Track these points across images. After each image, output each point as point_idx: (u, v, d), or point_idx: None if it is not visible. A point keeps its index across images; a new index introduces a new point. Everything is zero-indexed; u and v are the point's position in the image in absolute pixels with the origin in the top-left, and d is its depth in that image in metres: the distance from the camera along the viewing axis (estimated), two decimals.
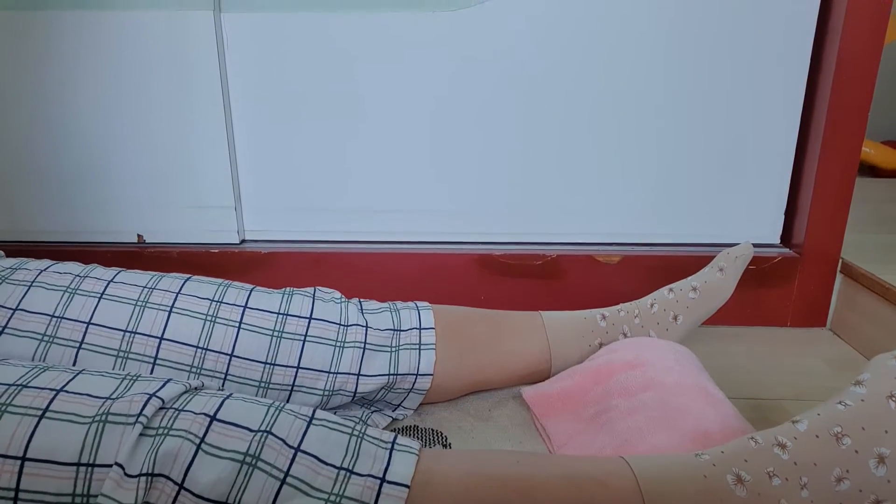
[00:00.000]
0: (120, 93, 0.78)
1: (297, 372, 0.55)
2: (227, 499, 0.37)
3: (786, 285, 0.82)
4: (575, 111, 0.79)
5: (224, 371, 0.54)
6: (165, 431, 0.38)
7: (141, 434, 0.37)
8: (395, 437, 0.43)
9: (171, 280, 0.57)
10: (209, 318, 0.54)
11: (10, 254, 0.62)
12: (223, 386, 0.54)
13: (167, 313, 0.54)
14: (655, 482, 0.42)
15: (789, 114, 0.79)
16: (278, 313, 0.56)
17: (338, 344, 0.57)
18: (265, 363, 0.54)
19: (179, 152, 0.80)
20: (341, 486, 0.39)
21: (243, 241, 0.85)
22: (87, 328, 0.52)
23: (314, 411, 0.43)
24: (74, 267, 0.57)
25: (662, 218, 0.83)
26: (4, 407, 0.38)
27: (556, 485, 0.41)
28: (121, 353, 0.52)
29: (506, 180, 0.82)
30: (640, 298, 0.68)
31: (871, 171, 1.38)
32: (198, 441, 0.38)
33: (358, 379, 0.57)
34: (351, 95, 0.79)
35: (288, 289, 0.60)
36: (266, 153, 0.82)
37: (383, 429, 0.60)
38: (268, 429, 0.40)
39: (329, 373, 0.56)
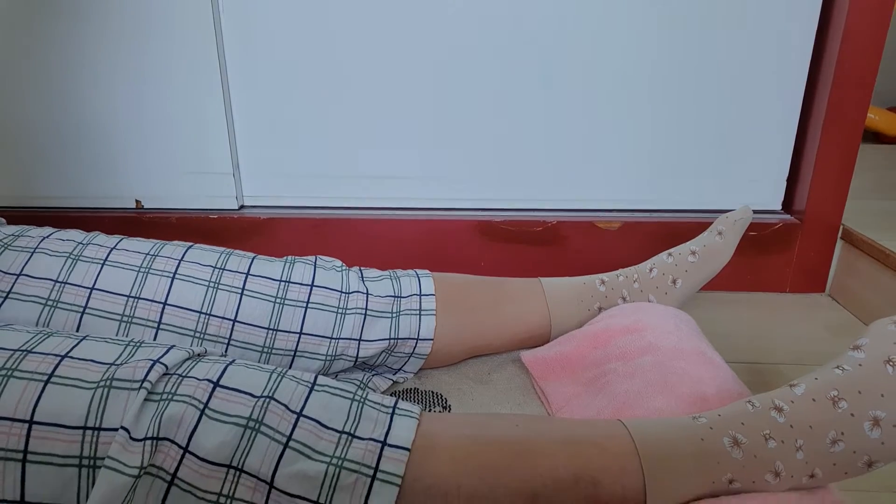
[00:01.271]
0: (117, 58, 0.77)
1: (299, 337, 0.56)
2: (230, 462, 0.38)
3: (786, 251, 0.82)
4: (576, 77, 0.78)
5: (227, 336, 0.54)
6: (169, 397, 0.38)
7: (146, 399, 0.38)
8: (397, 402, 0.44)
9: (174, 247, 0.57)
10: (212, 284, 0.55)
11: (9, 219, 0.62)
12: (226, 351, 0.54)
13: (170, 279, 0.54)
14: (652, 444, 0.42)
15: (794, 79, 0.78)
16: (280, 280, 0.57)
17: (339, 310, 0.57)
18: (268, 328, 0.55)
19: (177, 118, 0.79)
20: (343, 449, 0.39)
21: (242, 207, 0.84)
22: (90, 293, 0.52)
23: (316, 377, 0.43)
24: (77, 234, 0.57)
25: (663, 184, 0.83)
26: (10, 372, 0.38)
27: (554, 448, 0.42)
28: (124, 318, 0.52)
29: (506, 146, 0.81)
30: (640, 264, 0.68)
31: (874, 137, 1.37)
32: (201, 406, 0.38)
33: (359, 344, 0.58)
34: (349, 60, 0.78)
35: (289, 257, 0.60)
36: (264, 119, 0.81)
37: (384, 392, 0.60)
38: (270, 394, 0.40)
39: (331, 338, 0.57)
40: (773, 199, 0.84)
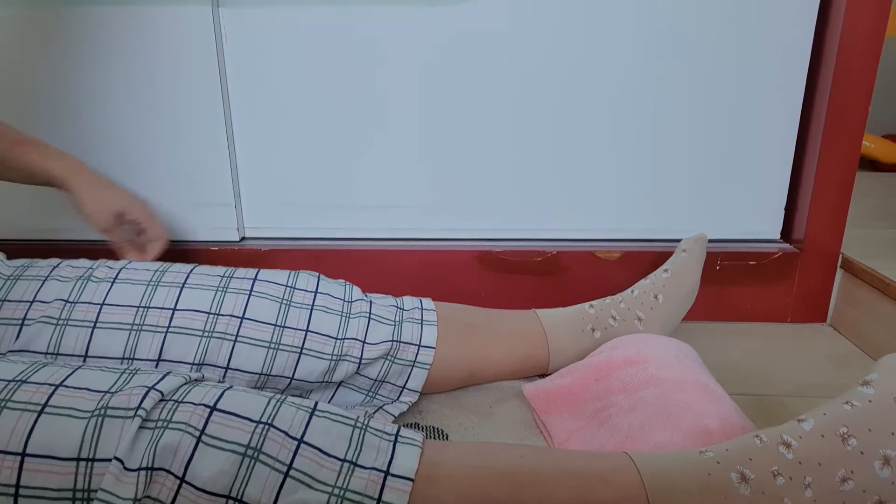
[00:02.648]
0: (118, 88, 0.78)
1: (305, 335, 0.57)
2: (229, 492, 0.37)
3: (786, 281, 0.82)
4: (575, 107, 0.79)
5: (235, 333, 0.55)
6: (165, 424, 0.38)
7: (140, 427, 0.37)
8: (399, 429, 0.43)
9: (180, 266, 0.60)
10: (220, 288, 0.57)
11: (10, 252, 0.62)
12: (233, 349, 0.55)
13: (179, 288, 0.57)
14: (659, 478, 0.42)
15: (789, 108, 0.79)
16: (286, 286, 0.59)
17: (344, 314, 0.59)
18: (275, 325, 0.56)
19: (178, 149, 0.80)
20: (345, 479, 0.38)
21: (243, 239, 0.85)
22: (100, 308, 0.55)
23: (316, 403, 0.43)
24: (85, 261, 0.60)
25: (663, 213, 0.83)
26: (4, 403, 0.37)
27: (560, 480, 0.41)
28: (134, 327, 0.54)
29: (505, 177, 0.82)
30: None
31: (871, 165, 1.38)
32: (198, 433, 0.38)
33: (363, 346, 0.59)
34: (349, 91, 0.79)
35: (293, 271, 0.63)
36: (265, 150, 0.81)
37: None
38: (269, 420, 0.40)
39: (336, 338, 0.58)
40: (771, 228, 0.84)
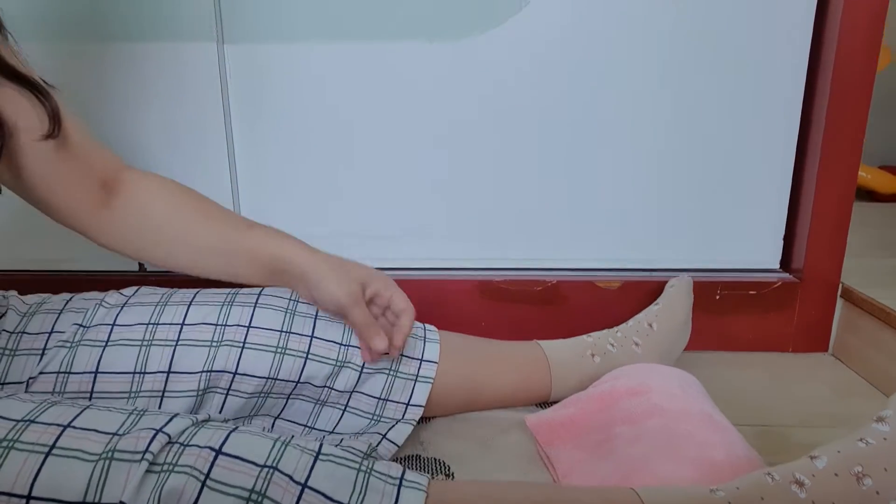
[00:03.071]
0: (123, 122, 0.79)
1: (311, 340, 0.59)
2: None
3: (787, 310, 0.82)
4: (574, 137, 0.80)
5: (242, 340, 0.57)
6: (170, 468, 0.38)
7: (147, 471, 0.37)
8: (404, 473, 0.43)
9: (186, 290, 0.62)
10: (226, 303, 0.59)
11: (10, 283, 0.63)
12: (241, 355, 0.56)
13: (186, 306, 0.59)
14: None
15: (786, 138, 0.80)
16: (290, 299, 0.62)
17: (346, 328, 0.61)
18: (281, 331, 0.58)
19: (183, 179, 0.81)
20: None
21: None
22: (111, 328, 0.57)
23: (321, 446, 0.43)
24: (97, 293, 0.62)
25: (662, 243, 0.83)
26: (11, 444, 0.37)
27: None
28: (144, 342, 0.56)
29: (506, 206, 0.82)
30: None
31: (868, 195, 1.39)
32: (202, 477, 0.38)
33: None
34: (351, 123, 0.80)
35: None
36: (267, 181, 0.82)
37: (389, 458, 0.59)
38: (274, 464, 0.39)
39: (341, 344, 0.59)
40: (771, 257, 0.84)
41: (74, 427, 0.39)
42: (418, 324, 0.66)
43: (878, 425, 0.43)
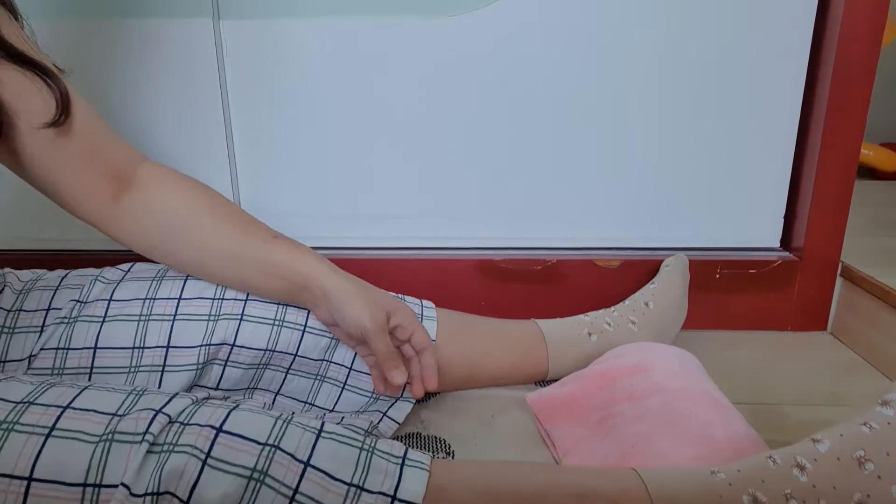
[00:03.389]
0: (118, 99, 0.78)
1: (308, 312, 0.59)
2: None
3: (786, 289, 0.82)
4: (574, 115, 0.79)
5: (240, 313, 0.57)
6: (171, 448, 0.38)
7: (147, 451, 0.37)
8: (406, 452, 0.43)
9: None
10: (218, 297, 0.59)
11: (10, 262, 0.62)
12: (238, 327, 0.57)
13: (182, 281, 0.59)
14: (669, 499, 0.41)
15: (788, 116, 0.79)
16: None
17: None
18: (279, 303, 0.59)
19: (179, 158, 0.80)
20: (351, 503, 0.38)
21: None
22: (108, 304, 0.57)
23: (323, 424, 0.43)
24: (93, 270, 0.62)
25: (662, 222, 0.83)
26: (11, 425, 0.37)
27: (568, 502, 0.41)
28: (142, 317, 0.56)
29: (505, 185, 0.82)
30: None
31: (870, 173, 1.38)
32: (203, 456, 0.38)
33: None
34: (348, 100, 0.79)
35: None
36: (265, 159, 0.81)
37: (391, 436, 0.60)
38: (276, 443, 0.39)
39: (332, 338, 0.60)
40: (771, 236, 0.84)
41: (74, 408, 0.39)
42: (415, 300, 0.66)
43: (883, 409, 0.43)
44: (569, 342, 0.68)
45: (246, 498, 0.37)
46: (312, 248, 0.84)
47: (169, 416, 0.39)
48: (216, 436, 0.39)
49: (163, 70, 0.77)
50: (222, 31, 0.76)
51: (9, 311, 0.57)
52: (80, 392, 0.41)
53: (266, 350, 0.58)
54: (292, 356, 0.59)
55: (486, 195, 0.82)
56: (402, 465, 0.41)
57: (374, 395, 0.62)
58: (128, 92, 0.78)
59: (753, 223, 0.83)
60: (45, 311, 0.57)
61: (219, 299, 0.58)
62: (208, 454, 0.38)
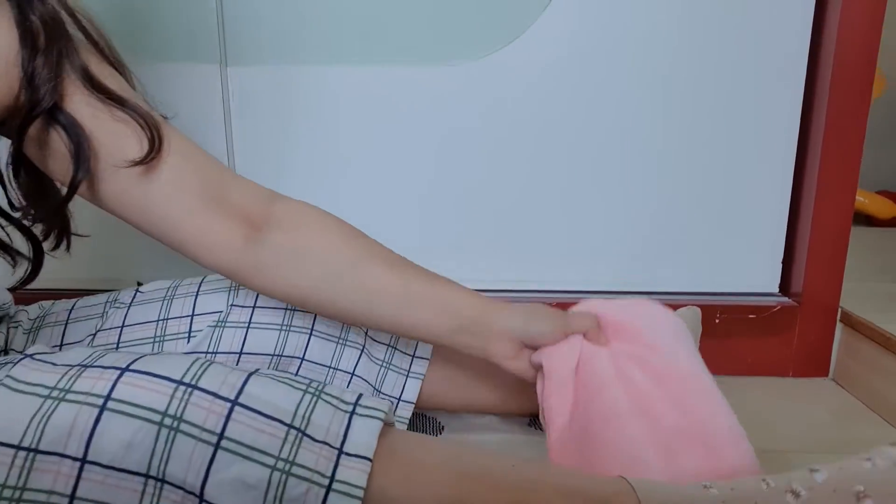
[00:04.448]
0: None
1: (315, 316, 0.58)
2: (147, 470, 0.32)
3: (786, 334, 0.82)
4: (577, 160, 0.80)
5: (247, 321, 0.57)
6: (61, 394, 0.32)
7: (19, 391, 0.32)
8: (359, 398, 0.38)
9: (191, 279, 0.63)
10: (232, 287, 0.60)
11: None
12: (246, 335, 0.57)
13: (193, 297, 0.60)
14: None
15: (783, 165, 0.80)
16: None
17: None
18: (286, 308, 0.58)
19: None
20: (291, 449, 0.33)
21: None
22: (121, 331, 0.57)
23: (257, 370, 0.38)
24: (100, 296, 0.62)
25: (663, 266, 0.83)
26: None
27: (550, 499, 0.39)
28: (157, 339, 0.56)
29: (506, 227, 0.82)
30: None
31: (866, 220, 1.39)
32: (101, 401, 0.32)
33: (366, 335, 0.60)
34: (353, 143, 0.80)
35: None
36: None
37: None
38: (193, 381, 0.34)
39: (342, 329, 0.60)
40: (770, 281, 0.84)
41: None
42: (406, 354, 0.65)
43: (891, 449, 0.41)
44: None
45: (159, 448, 0.32)
46: None
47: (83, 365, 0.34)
48: (119, 375, 0.33)
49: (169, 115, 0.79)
50: (229, 77, 0.78)
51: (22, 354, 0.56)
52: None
53: (274, 355, 0.57)
54: (300, 360, 0.58)
55: (490, 237, 0.83)
56: (353, 413, 0.36)
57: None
58: None
59: (752, 268, 0.84)
60: (56, 348, 0.57)
61: (228, 306, 0.58)
62: (108, 397, 0.32)
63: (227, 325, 0.57)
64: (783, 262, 0.83)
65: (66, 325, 0.58)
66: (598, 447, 0.49)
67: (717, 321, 0.81)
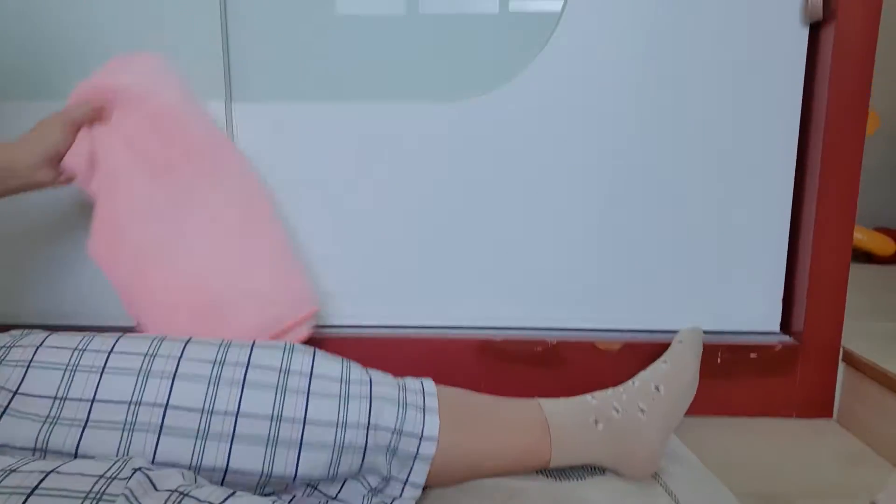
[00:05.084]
0: None
1: (304, 426, 0.55)
2: None
3: (788, 374, 0.81)
4: (575, 199, 0.81)
5: (231, 431, 0.53)
6: None
7: None
8: None
9: (172, 345, 0.57)
10: (213, 380, 0.55)
11: None
12: (230, 450, 0.53)
13: (171, 380, 0.54)
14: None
15: (781, 201, 0.81)
16: (280, 370, 0.57)
17: (342, 396, 0.57)
18: (272, 417, 0.54)
19: None
20: None
21: None
22: (91, 405, 0.52)
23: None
24: (72, 339, 0.56)
25: (663, 305, 0.83)
26: None
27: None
28: (126, 426, 0.52)
29: (505, 265, 0.82)
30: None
31: (865, 257, 1.39)
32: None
33: (367, 432, 0.57)
34: (352, 180, 0.81)
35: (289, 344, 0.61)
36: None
37: None
38: None
39: (337, 425, 0.56)
40: (770, 320, 0.84)
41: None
42: (417, 385, 0.64)
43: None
44: (573, 431, 0.66)
45: None
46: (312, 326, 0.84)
47: None
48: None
49: None
50: (234, 113, 0.79)
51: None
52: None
53: (262, 474, 0.54)
54: (292, 478, 0.55)
55: (487, 274, 0.83)
56: None
57: (374, 490, 0.59)
58: None
59: (753, 307, 0.83)
60: (10, 394, 0.52)
61: (208, 412, 0.54)
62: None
63: (210, 436, 0.53)
64: (783, 301, 0.83)
65: (27, 367, 0.54)
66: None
67: (718, 361, 0.81)
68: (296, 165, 0.81)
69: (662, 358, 0.73)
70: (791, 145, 0.79)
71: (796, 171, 0.80)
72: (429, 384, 0.64)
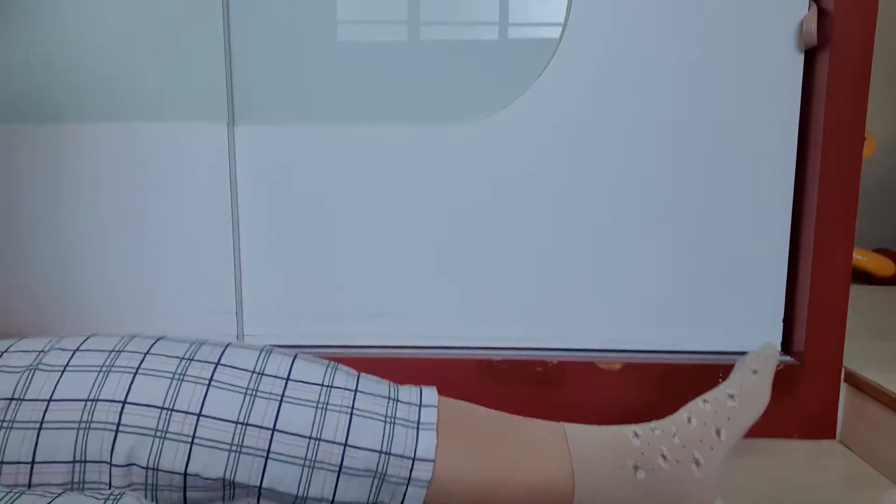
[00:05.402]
0: (119, 195, 0.81)
1: (272, 434, 0.49)
2: None
3: (790, 395, 0.81)
4: (576, 220, 0.81)
5: (191, 434, 0.47)
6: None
7: None
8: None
9: (140, 343, 0.52)
10: (177, 376, 0.50)
11: None
12: (190, 452, 0.47)
13: (132, 375, 0.49)
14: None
15: (781, 222, 0.81)
16: (252, 371, 0.51)
17: (320, 405, 0.51)
18: (237, 422, 0.48)
19: (184, 256, 0.82)
20: None
21: None
22: (47, 405, 0.47)
23: None
24: (38, 342, 0.52)
25: (663, 325, 0.83)
26: None
27: None
28: (83, 424, 0.47)
29: (506, 285, 0.83)
30: (673, 414, 0.57)
31: (865, 278, 1.40)
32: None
33: (344, 450, 0.49)
34: (354, 203, 0.81)
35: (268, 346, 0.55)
36: (270, 259, 0.83)
37: None
38: None
39: (310, 438, 0.49)
40: (771, 340, 0.83)
41: None
42: (414, 395, 0.56)
43: None
44: (604, 471, 0.53)
45: None
46: (311, 346, 0.84)
47: None
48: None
49: (177, 173, 0.80)
50: (236, 136, 0.80)
51: None
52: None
53: (224, 479, 0.48)
54: (256, 489, 0.50)
55: (486, 295, 0.83)
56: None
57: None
58: (125, 179, 0.81)
59: (753, 328, 0.83)
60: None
61: (168, 409, 0.49)
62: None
63: (168, 436, 0.48)
64: (784, 321, 0.83)
65: None
66: None
67: (720, 381, 0.80)
68: (297, 188, 0.81)
69: (728, 387, 0.59)
70: (789, 169, 0.80)
71: (795, 193, 0.81)
72: (429, 395, 0.55)
